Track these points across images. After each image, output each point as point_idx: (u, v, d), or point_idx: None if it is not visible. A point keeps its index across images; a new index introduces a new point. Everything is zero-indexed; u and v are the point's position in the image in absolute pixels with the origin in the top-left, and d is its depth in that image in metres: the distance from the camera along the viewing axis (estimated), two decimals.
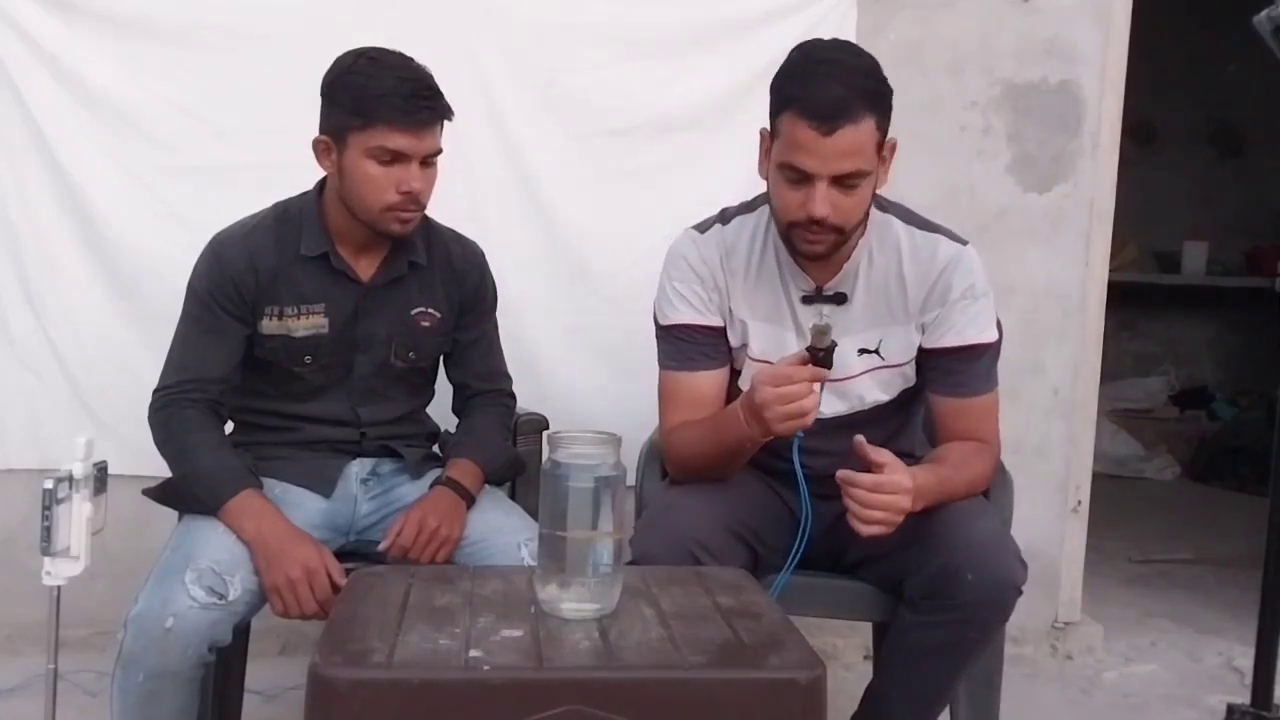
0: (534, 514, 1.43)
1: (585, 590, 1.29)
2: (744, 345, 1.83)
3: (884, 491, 1.58)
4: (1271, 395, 5.30)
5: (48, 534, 1.62)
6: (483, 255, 2.03)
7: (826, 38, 1.76)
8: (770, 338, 1.81)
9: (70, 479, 1.64)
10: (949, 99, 2.75)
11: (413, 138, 1.75)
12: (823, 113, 1.59)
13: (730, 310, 1.83)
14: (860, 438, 1.64)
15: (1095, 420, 2.92)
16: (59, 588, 1.69)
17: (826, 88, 1.60)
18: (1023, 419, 2.80)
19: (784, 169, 1.66)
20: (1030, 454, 2.80)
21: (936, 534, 1.66)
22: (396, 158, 1.75)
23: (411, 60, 1.79)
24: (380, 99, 1.72)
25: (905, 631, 1.72)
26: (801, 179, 1.64)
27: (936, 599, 1.64)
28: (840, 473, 1.61)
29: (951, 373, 1.79)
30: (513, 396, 2.10)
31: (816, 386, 1.61)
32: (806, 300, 1.79)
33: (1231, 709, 1.99)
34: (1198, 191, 5.71)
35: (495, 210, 2.58)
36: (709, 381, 1.81)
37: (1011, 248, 2.79)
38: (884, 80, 1.67)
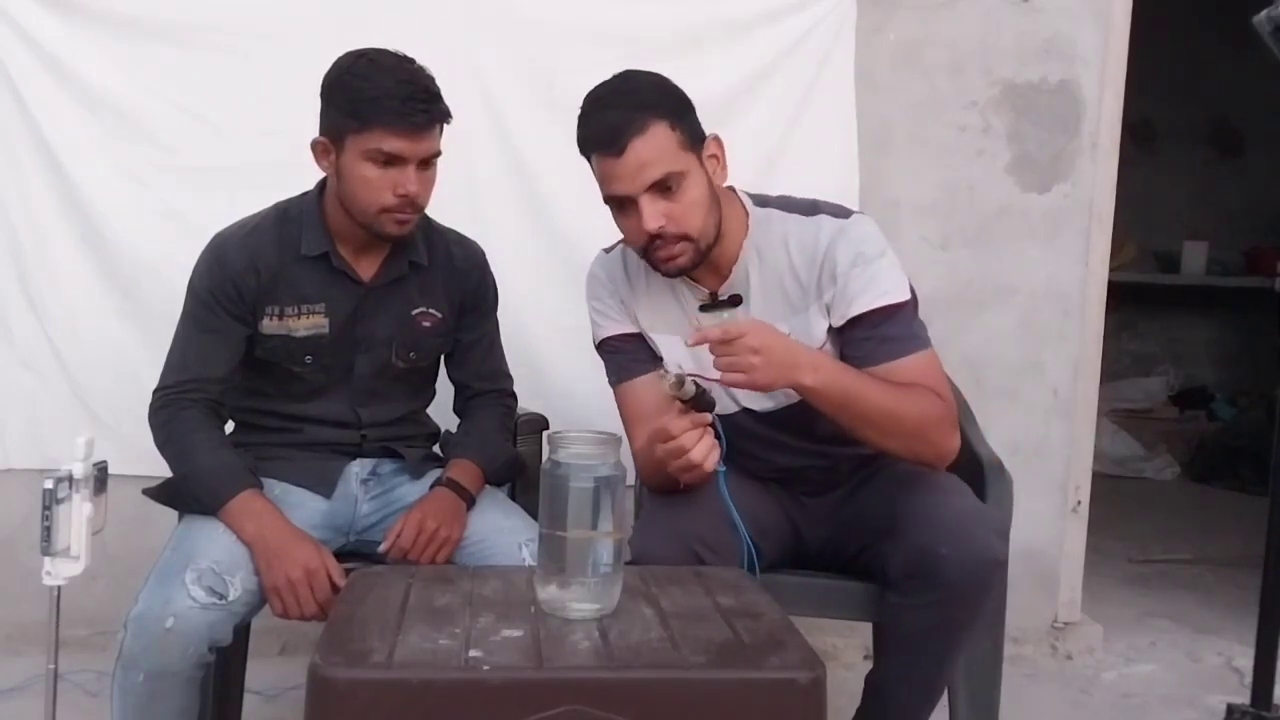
0: (534, 514, 1.42)
1: (585, 590, 1.29)
2: (659, 357, 1.85)
3: (730, 339, 1.59)
4: (1271, 395, 5.30)
5: (48, 534, 1.62)
6: (484, 255, 2.03)
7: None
8: (678, 348, 1.82)
9: (70, 479, 1.63)
10: (949, 99, 2.74)
11: (409, 141, 1.74)
12: (606, 139, 1.68)
13: (638, 321, 1.87)
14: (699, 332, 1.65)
15: (1095, 420, 2.91)
16: (59, 588, 1.68)
17: (602, 118, 1.69)
18: (1023, 419, 2.80)
19: (610, 203, 1.74)
20: (1030, 454, 2.80)
21: (911, 514, 1.66)
22: (393, 160, 1.75)
23: (411, 62, 1.78)
24: (376, 102, 1.72)
25: (894, 615, 1.72)
26: (625, 204, 1.71)
27: (917, 579, 1.64)
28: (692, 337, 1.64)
29: (867, 340, 1.74)
30: (514, 397, 2.10)
31: (707, 431, 1.61)
32: (704, 308, 1.81)
33: (1231, 709, 1.99)
34: (1197, 191, 5.71)
35: (496, 210, 2.58)
36: (647, 386, 1.82)
37: (1011, 248, 2.79)
38: (669, 88, 1.72)
